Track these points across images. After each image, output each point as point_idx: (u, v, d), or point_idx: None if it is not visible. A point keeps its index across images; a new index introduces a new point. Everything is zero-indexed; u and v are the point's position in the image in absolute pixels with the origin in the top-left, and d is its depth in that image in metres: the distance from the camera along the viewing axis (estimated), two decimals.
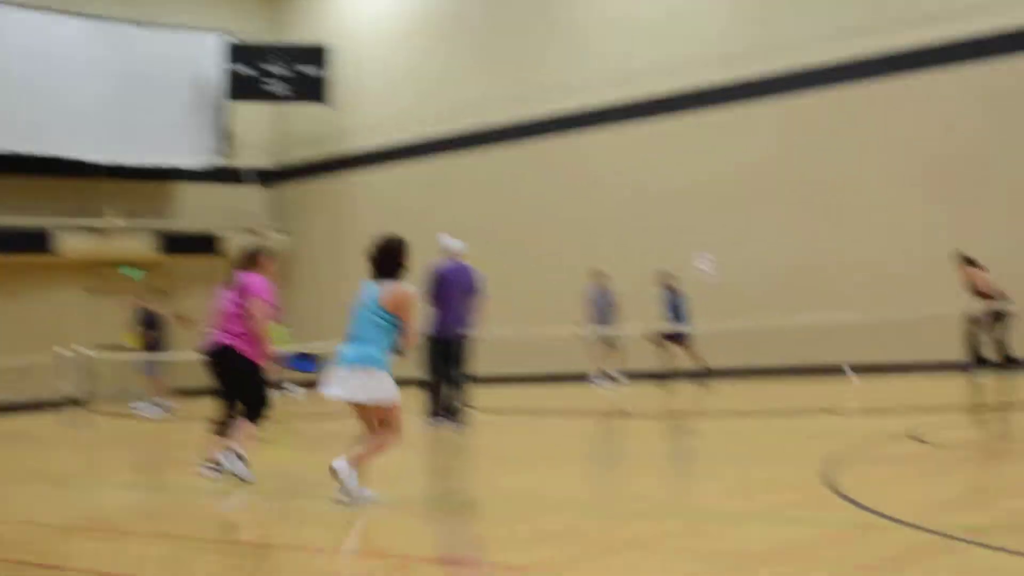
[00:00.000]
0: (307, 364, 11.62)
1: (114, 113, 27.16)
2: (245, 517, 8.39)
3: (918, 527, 6.18)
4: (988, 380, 17.31)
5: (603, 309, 22.38)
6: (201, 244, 28.95)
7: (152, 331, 22.81)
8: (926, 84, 21.05)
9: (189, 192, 29.80)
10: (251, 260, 10.46)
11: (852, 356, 20.45)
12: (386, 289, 8.41)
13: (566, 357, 23.81)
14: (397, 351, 8.45)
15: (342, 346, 8.44)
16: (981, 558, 5.51)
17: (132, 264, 28.34)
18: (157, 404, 22.39)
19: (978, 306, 17.56)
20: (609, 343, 22.42)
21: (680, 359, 21.30)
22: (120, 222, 27.60)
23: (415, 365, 14.96)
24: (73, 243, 27.36)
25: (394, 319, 8.37)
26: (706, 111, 23.51)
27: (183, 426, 19.10)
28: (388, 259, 8.52)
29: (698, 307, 21.84)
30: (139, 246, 28.06)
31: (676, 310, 21.36)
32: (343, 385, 8.31)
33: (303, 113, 30.41)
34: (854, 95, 21.73)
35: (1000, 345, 17.84)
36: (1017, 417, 12.48)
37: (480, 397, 16.77)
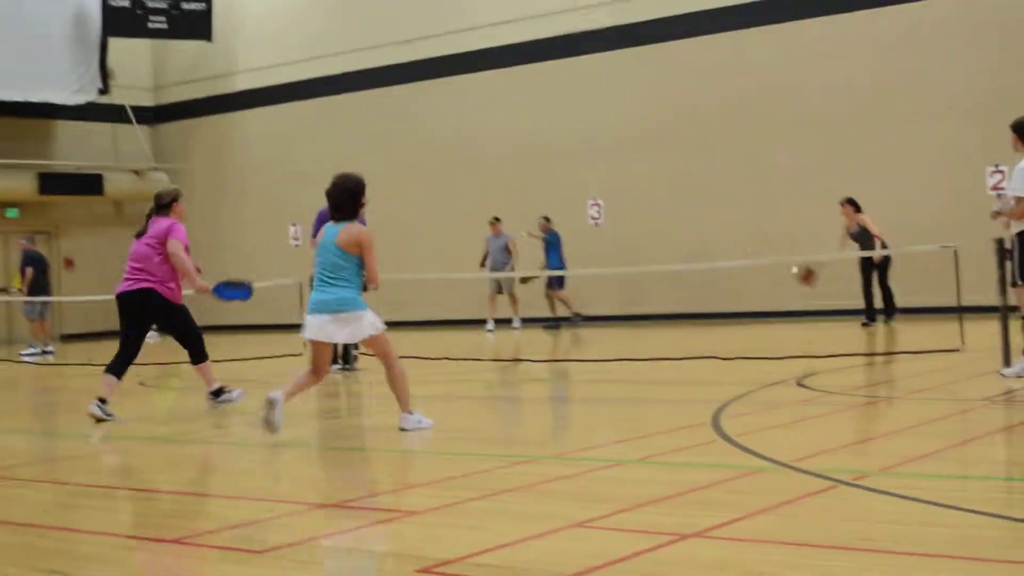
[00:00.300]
0: (239, 292, 11.44)
1: None
2: (134, 462, 8.27)
3: (805, 471, 6.30)
4: (875, 326, 17.70)
5: (499, 256, 22.43)
6: (82, 183, 28.28)
7: (36, 274, 22.36)
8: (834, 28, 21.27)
9: (69, 131, 29.09)
10: (165, 205, 10.71)
11: (740, 304, 20.77)
12: (343, 230, 8.47)
13: (458, 303, 23.85)
14: (364, 289, 8.61)
15: (315, 292, 8.53)
16: (865, 501, 5.63)
17: (11, 204, 27.70)
18: (44, 349, 22.04)
19: (869, 251, 17.78)
20: (506, 289, 22.54)
21: (558, 304, 21.76)
22: None
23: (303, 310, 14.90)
24: None
25: (356, 259, 8.45)
26: (596, 56, 23.51)
27: (66, 370, 18.76)
28: (345, 198, 8.60)
29: (588, 255, 22.01)
30: (18, 186, 27.29)
31: (553, 256, 21.91)
32: (323, 329, 8.47)
33: (185, 50, 29.82)
34: (743, 40, 21.87)
35: (886, 291, 18.20)
36: (901, 362, 12.78)
37: None
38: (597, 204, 23.42)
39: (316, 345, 8.63)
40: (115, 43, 28.42)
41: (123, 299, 10.50)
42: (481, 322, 22.60)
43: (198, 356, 10.75)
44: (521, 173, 24.30)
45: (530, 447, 7.91)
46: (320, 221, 14.69)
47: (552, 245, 22.12)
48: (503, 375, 14.41)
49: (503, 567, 4.70)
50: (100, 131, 29.54)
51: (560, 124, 23.78)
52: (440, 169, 25.24)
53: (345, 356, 14.75)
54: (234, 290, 11.33)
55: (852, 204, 18.50)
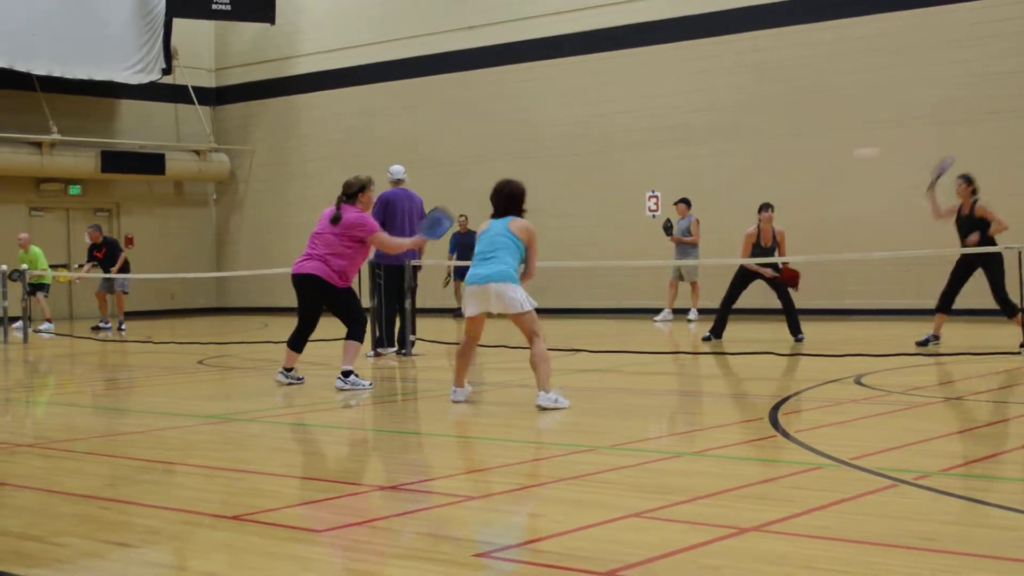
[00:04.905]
0: (440, 224, 11.50)
1: (57, 26, 26.51)
2: (193, 439, 8.34)
3: (865, 470, 6.26)
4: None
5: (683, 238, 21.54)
6: (144, 162, 28.53)
7: (107, 252, 22.72)
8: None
9: (132, 110, 29.34)
10: (352, 195, 11.17)
11: (797, 301, 20.61)
12: (513, 220, 9.47)
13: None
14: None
15: (473, 268, 9.41)
16: (926, 501, 5.59)
17: (74, 181, 28.00)
18: (110, 324, 22.46)
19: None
20: (687, 278, 21.79)
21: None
22: (59, 137, 27.03)
23: (362, 293, 14.98)
24: (12, 158, 26.77)
25: (521, 244, 9.36)
26: (659, 47, 23.38)
27: (128, 347, 18.94)
28: (508, 201, 9.54)
29: (645, 246, 21.98)
30: (81, 163, 27.56)
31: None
32: (476, 299, 9.32)
33: (248, 32, 29.99)
34: (808, 35, 21.69)
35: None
36: (960, 363, 12.64)
37: (423, 328, 16.78)
38: (655, 196, 23.32)
39: (471, 319, 9.48)
40: (179, 24, 28.61)
41: (294, 278, 11.20)
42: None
43: (353, 335, 11.09)
44: (581, 163, 24.23)
45: (587, 437, 7.90)
46: (381, 206, 14.75)
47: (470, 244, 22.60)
48: (558, 364, 14.38)
49: (561, 554, 4.70)
50: (162, 111, 29.80)
51: (621, 115, 23.69)
52: (499, 157, 25.21)
53: (401, 340, 14.80)
54: (435, 228, 11.49)
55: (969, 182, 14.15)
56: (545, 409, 9.01)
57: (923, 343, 14.13)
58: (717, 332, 15.99)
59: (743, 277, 15.98)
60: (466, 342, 9.72)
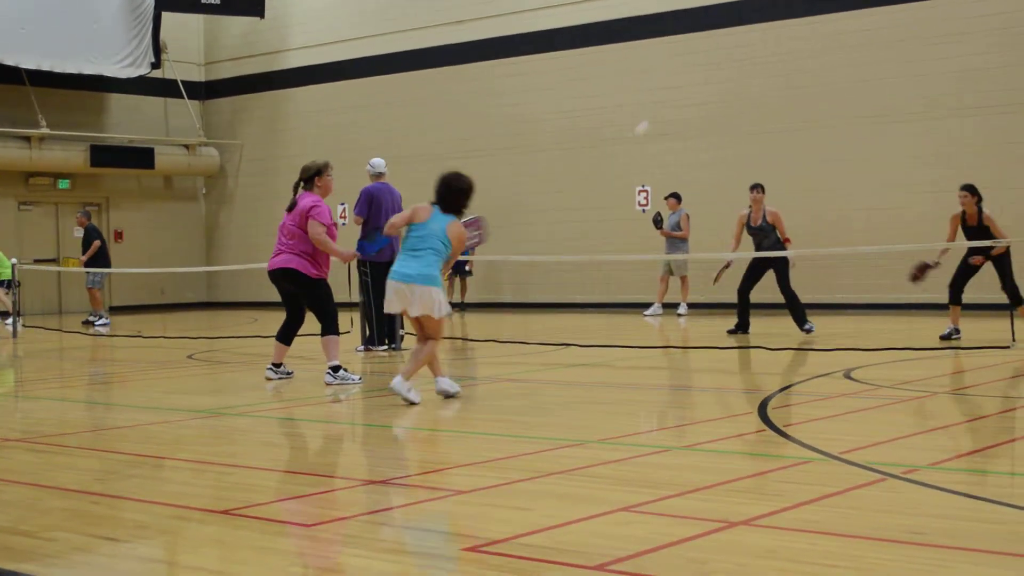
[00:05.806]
0: (379, 240, 11.60)
1: (46, 20, 26.43)
2: (183, 434, 8.34)
3: (854, 464, 6.28)
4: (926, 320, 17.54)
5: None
6: (134, 156, 28.46)
7: (84, 238, 22.74)
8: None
9: (121, 104, 29.26)
10: (308, 179, 11.14)
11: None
12: (453, 222, 9.32)
13: (499, 286, 23.84)
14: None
15: (400, 264, 9.33)
16: (914, 495, 5.60)
17: (63, 175, 27.93)
18: (102, 317, 22.37)
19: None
20: (677, 272, 21.60)
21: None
22: (48, 131, 26.96)
23: (351, 289, 14.94)
24: (1, 152, 26.70)
25: (449, 248, 9.31)
26: (649, 42, 23.38)
27: (116, 342, 18.92)
28: (454, 197, 9.32)
29: (635, 241, 21.95)
30: (70, 157, 27.49)
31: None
32: (399, 299, 9.32)
33: (237, 26, 29.92)
34: (799, 29, 21.69)
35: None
36: (951, 358, 12.68)
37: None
38: (645, 191, 23.33)
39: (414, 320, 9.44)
40: (168, 18, 28.53)
41: (272, 274, 11.13)
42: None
43: (328, 330, 10.99)
44: (571, 157, 24.22)
45: (576, 431, 7.91)
46: (365, 200, 14.71)
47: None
48: (548, 358, 14.40)
49: (550, 548, 4.71)
50: (152, 105, 29.73)
51: (611, 109, 23.68)
52: (489, 151, 25.22)
53: (391, 334, 14.79)
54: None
55: (974, 192, 14.29)
56: (394, 391, 9.24)
57: (946, 336, 14.19)
58: (743, 327, 16.07)
59: (752, 267, 16.10)
60: (417, 338, 9.65)
